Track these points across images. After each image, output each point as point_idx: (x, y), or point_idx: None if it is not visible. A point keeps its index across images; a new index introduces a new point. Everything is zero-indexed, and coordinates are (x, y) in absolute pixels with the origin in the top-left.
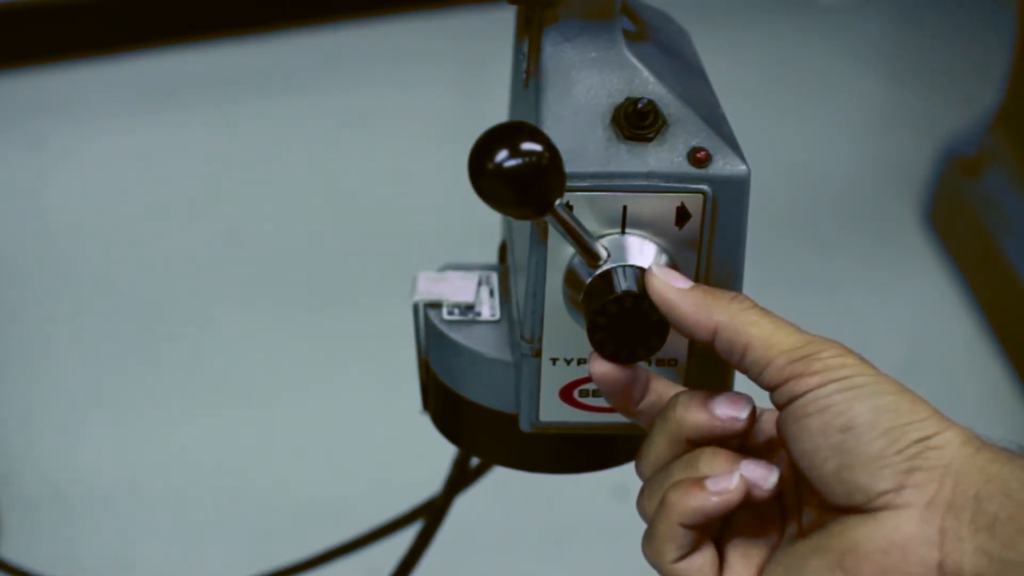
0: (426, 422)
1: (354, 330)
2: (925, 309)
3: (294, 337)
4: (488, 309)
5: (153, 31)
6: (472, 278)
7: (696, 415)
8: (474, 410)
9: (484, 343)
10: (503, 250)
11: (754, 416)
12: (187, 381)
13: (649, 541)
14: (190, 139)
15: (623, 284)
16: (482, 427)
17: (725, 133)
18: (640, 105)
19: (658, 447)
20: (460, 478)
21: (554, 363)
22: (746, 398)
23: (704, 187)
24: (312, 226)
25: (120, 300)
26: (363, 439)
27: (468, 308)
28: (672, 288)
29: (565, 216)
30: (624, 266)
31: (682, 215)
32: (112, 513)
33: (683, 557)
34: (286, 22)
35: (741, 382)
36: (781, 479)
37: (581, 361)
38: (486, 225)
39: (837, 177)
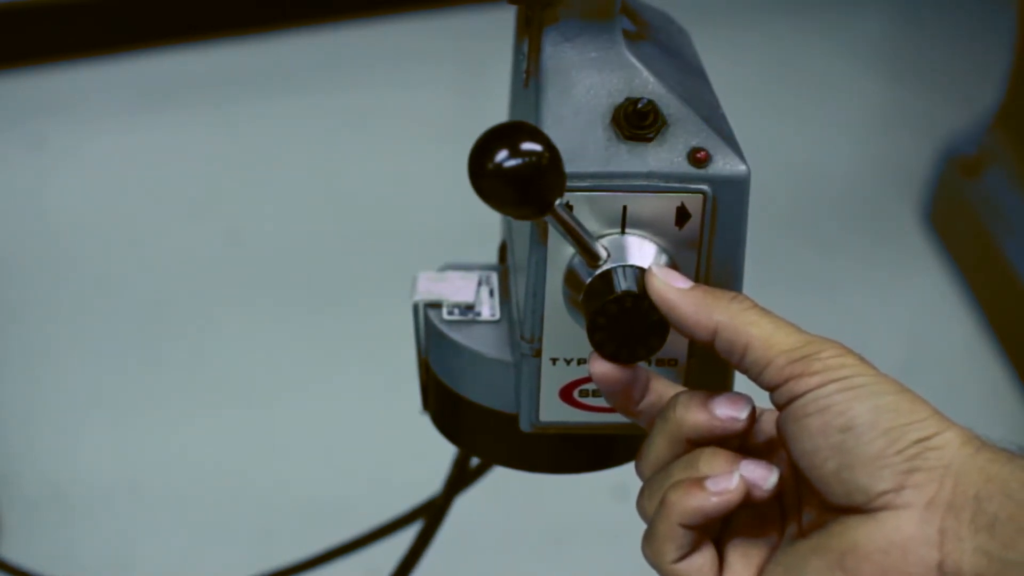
0: (426, 422)
1: (354, 330)
2: (925, 309)
3: (294, 337)
4: (488, 309)
5: (153, 31)
6: (472, 278)
7: (696, 415)
8: (474, 410)
9: (484, 343)
10: (503, 250)
11: (754, 416)
12: (187, 381)
13: (649, 541)
14: (190, 139)
15: (623, 284)
16: (482, 427)
17: (725, 133)
18: (640, 105)
19: (658, 447)
20: (460, 478)
21: (554, 363)
22: (746, 398)
23: (704, 187)
24: (312, 226)
25: (120, 300)
26: (363, 439)
27: (468, 308)
28: (672, 288)
29: (565, 216)
30: (624, 266)
31: (682, 215)
32: (112, 513)
33: (683, 557)
34: (286, 22)
35: (741, 382)
36: (781, 479)
37: (581, 361)
38: (486, 225)
39: (837, 177)
